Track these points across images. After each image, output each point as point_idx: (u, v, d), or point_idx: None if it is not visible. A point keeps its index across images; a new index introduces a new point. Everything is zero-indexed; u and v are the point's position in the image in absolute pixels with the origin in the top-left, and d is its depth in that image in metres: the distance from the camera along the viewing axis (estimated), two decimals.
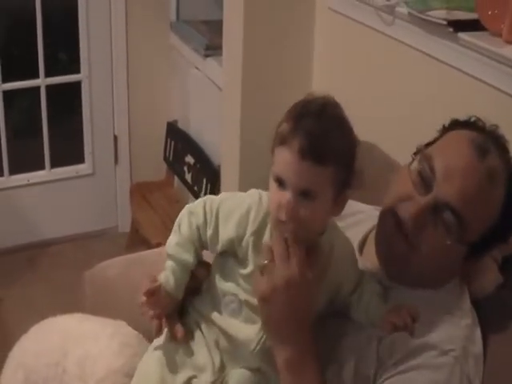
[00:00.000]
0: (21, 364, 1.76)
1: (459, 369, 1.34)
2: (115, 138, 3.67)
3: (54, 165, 3.65)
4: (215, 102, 3.06)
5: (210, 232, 1.41)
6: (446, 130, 1.52)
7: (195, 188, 3.26)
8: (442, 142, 1.48)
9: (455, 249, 1.41)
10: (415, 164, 1.44)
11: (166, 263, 1.42)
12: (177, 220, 1.45)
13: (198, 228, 1.42)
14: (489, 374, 1.40)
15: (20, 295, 3.23)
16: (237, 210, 1.40)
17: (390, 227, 1.44)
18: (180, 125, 3.59)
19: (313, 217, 1.31)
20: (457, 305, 1.45)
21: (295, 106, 1.34)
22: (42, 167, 3.64)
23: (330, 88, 2.70)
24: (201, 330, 1.44)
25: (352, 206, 1.65)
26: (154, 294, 1.38)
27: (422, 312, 1.38)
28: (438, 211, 1.39)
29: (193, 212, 1.43)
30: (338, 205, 1.36)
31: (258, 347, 1.38)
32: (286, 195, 1.30)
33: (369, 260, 1.50)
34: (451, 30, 1.91)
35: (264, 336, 1.38)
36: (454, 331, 1.38)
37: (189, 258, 1.41)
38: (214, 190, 3.10)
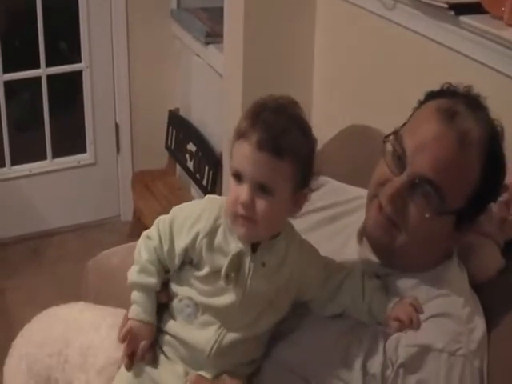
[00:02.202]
0: (24, 354, 1.77)
1: (469, 365, 1.33)
2: (117, 127, 3.67)
3: (55, 155, 3.64)
4: (217, 90, 3.05)
5: (166, 248, 1.43)
6: (419, 106, 1.50)
7: (197, 176, 3.26)
8: (412, 118, 1.47)
9: (441, 220, 1.39)
10: (389, 146, 1.43)
11: (132, 295, 1.44)
12: (136, 249, 1.47)
13: (155, 249, 1.44)
14: (494, 360, 1.39)
15: (23, 285, 3.24)
16: (188, 218, 1.42)
17: (373, 213, 1.43)
18: (181, 113, 3.58)
19: (269, 213, 1.32)
20: (457, 287, 1.44)
21: (254, 104, 1.36)
22: (44, 157, 3.63)
23: (332, 73, 2.70)
24: (161, 345, 1.46)
25: (350, 191, 1.65)
26: (126, 337, 1.41)
27: (422, 305, 1.39)
28: (415, 187, 1.37)
29: (149, 236, 1.46)
30: (296, 204, 1.38)
31: (213, 351, 1.40)
32: (244, 189, 1.31)
33: (368, 248, 1.50)
34: (452, 13, 1.91)
35: (220, 338, 1.40)
36: (458, 326, 1.36)
37: (152, 280, 1.44)
38: (216, 177, 3.10)
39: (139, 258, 1.45)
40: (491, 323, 1.43)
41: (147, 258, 1.44)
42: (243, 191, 1.32)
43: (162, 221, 1.46)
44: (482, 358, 1.37)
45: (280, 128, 1.31)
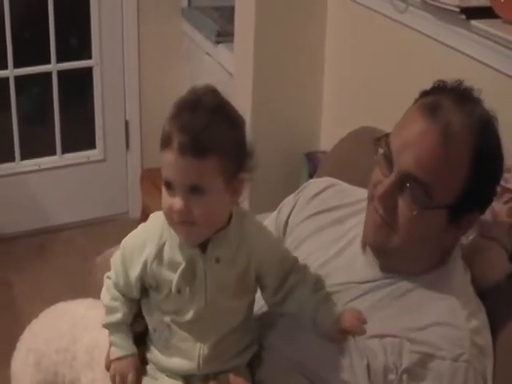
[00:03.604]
0: (32, 349, 1.79)
1: (473, 370, 1.33)
2: (126, 123, 3.67)
3: (65, 150, 3.65)
4: (226, 89, 3.04)
5: (122, 282, 1.45)
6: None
7: None
8: (401, 119, 1.45)
9: (431, 217, 1.37)
10: (380, 149, 1.43)
11: (108, 338, 1.48)
12: (101, 295, 1.50)
13: (114, 285, 1.46)
14: (500, 366, 1.39)
15: (31, 280, 3.24)
16: (135, 249, 1.43)
17: (370, 215, 1.44)
18: None
19: (207, 211, 1.32)
20: (458, 289, 1.43)
21: (173, 106, 1.34)
22: (53, 153, 3.63)
23: (342, 74, 2.71)
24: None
25: (356, 193, 1.65)
26: (115, 380, 1.46)
27: (423, 311, 1.39)
28: (403, 186, 1.37)
29: (108, 276, 1.48)
30: (235, 192, 1.37)
31: (201, 362, 1.42)
32: (176, 197, 1.31)
33: (371, 256, 1.50)
34: (464, 17, 1.90)
35: (202, 348, 1.41)
36: (460, 332, 1.36)
37: (118, 315, 1.46)
38: None
39: (104, 301, 1.48)
40: (497, 328, 1.43)
41: (109, 297, 1.47)
42: (176, 199, 1.31)
43: (114, 257, 1.47)
44: (485, 362, 1.37)
45: (198, 127, 1.29)
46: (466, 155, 1.36)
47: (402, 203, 1.38)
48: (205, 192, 1.31)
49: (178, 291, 1.39)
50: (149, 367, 1.48)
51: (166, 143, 1.32)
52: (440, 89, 1.44)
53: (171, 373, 1.45)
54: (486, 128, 1.38)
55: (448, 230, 1.41)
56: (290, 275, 1.45)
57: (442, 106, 1.37)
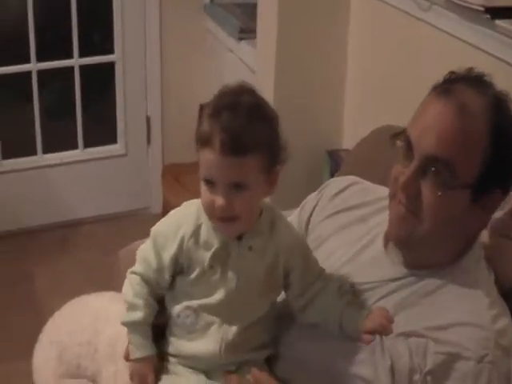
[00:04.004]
0: (54, 341, 1.80)
1: (496, 372, 1.32)
2: (148, 119, 3.69)
3: (86, 145, 3.67)
4: None
5: (154, 266, 1.45)
6: None
7: None
8: (416, 111, 1.46)
9: (455, 198, 1.37)
10: (398, 143, 1.43)
11: (127, 336, 1.48)
12: (123, 289, 1.49)
13: (141, 278, 1.46)
14: None
15: (52, 273, 3.27)
16: (170, 229, 1.44)
17: (394, 209, 1.44)
18: None
19: (249, 206, 1.36)
20: (484, 288, 1.42)
21: (210, 103, 1.37)
22: (75, 147, 3.66)
23: (365, 72, 2.70)
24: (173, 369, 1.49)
25: (378, 191, 1.65)
26: (133, 381, 1.46)
27: (449, 310, 1.38)
28: (425, 170, 1.37)
29: (133, 271, 1.48)
30: (271, 184, 1.40)
31: (222, 350, 1.43)
32: (218, 193, 1.34)
33: (393, 253, 1.50)
34: (488, 16, 1.90)
35: (225, 335, 1.42)
36: (485, 332, 1.35)
37: (139, 314, 1.45)
38: None
39: (126, 297, 1.48)
40: None
41: (133, 293, 1.46)
42: (218, 196, 1.34)
43: (143, 247, 1.48)
44: (509, 363, 1.36)
45: (239, 126, 1.32)
46: (483, 131, 1.36)
47: (425, 188, 1.37)
48: (246, 188, 1.34)
49: (211, 266, 1.41)
50: (169, 364, 1.49)
51: (205, 142, 1.34)
52: (452, 79, 1.44)
53: (192, 360, 1.46)
54: (501, 105, 1.39)
55: (472, 212, 1.40)
56: (316, 281, 1.47)
57: (456, 87, 1.39)
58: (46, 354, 1.81)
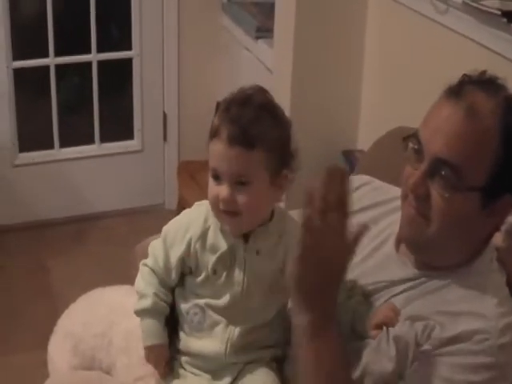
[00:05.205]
0: (69, 333, 1.81)
1: (495, 359, 1.33)
2: (164, 115, 3.70)
3: (103, 140, 3.69)
4: (265, 85, 3.06)
5: (161, 264, 1.48)
6: None
7: None
8: (427, 113, 1.46)
9: (464, 200, 1.37)
10: (409, 145, 1.44)
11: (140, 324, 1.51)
12: (135, 283, 1.53)
13: (152, 271, 1.49)
14: None
15: (68, 265, 3.29)
16: (179, 229, 1.47)
17: (403, 212, 1.45)
18: None
19: (251, 203, 1.37)
20: (493, 288, 1.42)
21: (223, 101, 1.40)
22: (91, 142, 3.68)
23: (381, 73, 2.71)
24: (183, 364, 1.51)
25: (391, 191, 1.65)
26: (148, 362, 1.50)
27: (457, 303, 1.39)
28: (434, 172, 1.37)
29: (145, 263, 1.51)
30: (279, 188, 1.42)
31: (228, 350, 1.45)
32: (223, 186, 1.36)
33: (405, 255, 1.50)
34: (505, 20, 1.91)
35: (231, 336, 1.44)
36: (490, 322, 1.36)
37: (148, 301, 1.48)
38: None
39: (137, 287, 1.51)
40: None
41: (143, 283, 1.50)
42: (222, 188, 1.37)
43: (154, 243, 1.51)
44: (508, 359, 1.35)
45: (247, 119, 1.35)
46: (493, 134, 1.35)
47: (434, 190, 1.38)
48: (250, 183, 1.37)
49: (214, 272, 1.43)
50: (176, 364, 1.51)
51: (214, 134, 1.37)
52: (463, 82, 1.43)
53: (199, 359, 1.48)
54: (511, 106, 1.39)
55: (482, 217, 1.40)
56: None
57: (466, 88, 1.39)
58: (60, 346, 1.82)
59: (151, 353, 1.50)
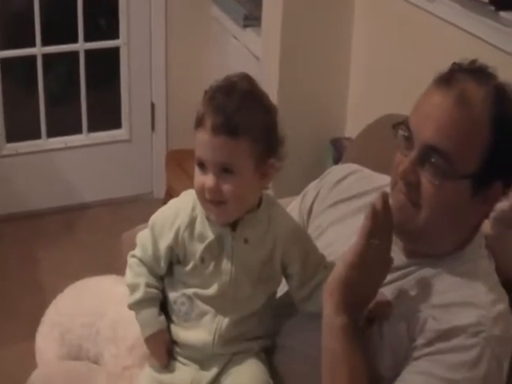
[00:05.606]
0: (57, 323, 1.81)
1: (489, 351, 1.33)
2: (152, 105, 3.69)
3: (91, 129, 3.67)
4: (253, 73, 3.05)
5: (150, 253, 1.47)
6: None
7: None
8: (417, 100, 1.45)
9: (454, 187, 1.37)
10: (400, 132, 1.44)
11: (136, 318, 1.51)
12: (125, 277, 1.52)
13: (140, 261, 1.49)
14: None
15: (56, 256, 3.28)
16: (167, 219, 1.47)
17: (393, 199, 1.43)
18: None
19: (236, 192, 1.37)
20: (483, 275, 1.43)
21: (209, 88, 1.40)
22: (80, 131, 3.66)
23: (369, 61, 2.71)
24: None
25: (379, 179, 1.65)
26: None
27: (449, 293, 1.39)
28: (424, 159, 1.37)
29: (133, 254, 1.51)
30: (264, 176, 1.41)
31: (216, 340, 1.45)
32: (208, 177, 1.36)
33: (394, 243, 1.48)
34: (492, 8, 1.91)
35: (219, 326, 1.44)
36: (483, 311, 1.36)
37: (141, 292, 1.48)
38: None
39: (127, 280, 1.51)
40: None
41: (132, 275, 1.50)
42: (208, 177, 1.36)
43: (141, 233, 1.51)
44: (503, 349, 1.36)
45: (231, 108, 1.34)
46: (484, 121, 1.35)
47: (424, 177, 1.37)
48: (235, 172, 1.36)
49: (202, 261, 1.43)
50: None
51: (199, 123, 1.37)
52: (454, 70, 1.43)
53: (187, 349, 1.48)
54: (502, 95, 1.38)
55: (472, 204, 1.40)
56: (317, 271, 1.47)
57: (457, 76, 1.38)
58: (47, 336, 1.82)
59: (150, 343, 1.49)
